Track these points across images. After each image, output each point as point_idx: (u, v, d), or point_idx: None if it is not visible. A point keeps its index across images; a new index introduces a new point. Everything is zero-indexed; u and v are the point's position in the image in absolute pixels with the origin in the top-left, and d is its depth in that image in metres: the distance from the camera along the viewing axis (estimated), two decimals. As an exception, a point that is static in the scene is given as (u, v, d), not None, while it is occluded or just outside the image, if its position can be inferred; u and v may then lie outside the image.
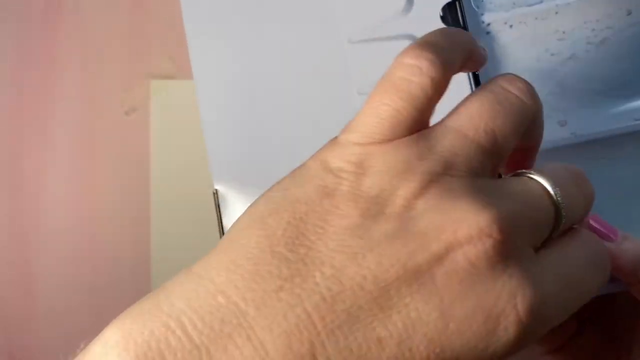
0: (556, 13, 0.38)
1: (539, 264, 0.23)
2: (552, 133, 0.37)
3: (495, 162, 0.25)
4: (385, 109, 0.24)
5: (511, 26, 0.38)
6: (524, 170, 0.26)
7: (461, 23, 0.37)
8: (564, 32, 0.38)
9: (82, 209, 0.48)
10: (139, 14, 0.49)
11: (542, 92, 0.37)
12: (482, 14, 0.38)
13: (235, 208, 0.37)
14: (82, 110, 0.48)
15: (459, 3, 0.37)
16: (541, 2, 0.38)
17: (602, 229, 0.34)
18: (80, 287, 0.46)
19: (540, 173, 0.25)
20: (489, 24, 0.38)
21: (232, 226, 0.24)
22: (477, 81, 0.37)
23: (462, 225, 0.22)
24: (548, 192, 0.25)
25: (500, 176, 0.29)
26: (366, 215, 0.22)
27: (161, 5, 0.49)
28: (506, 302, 0.22)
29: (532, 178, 0.25)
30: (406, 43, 0.36)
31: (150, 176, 0.47)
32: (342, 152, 0.24)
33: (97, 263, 0.46)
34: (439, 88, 0.25)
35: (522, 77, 0.32)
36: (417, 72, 0.25)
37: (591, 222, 0.34)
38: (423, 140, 0.24)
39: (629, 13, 0.38)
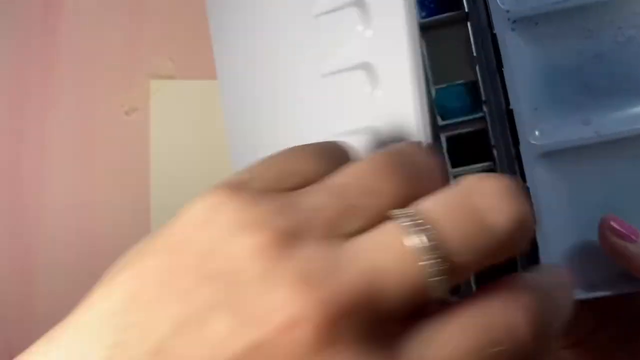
0: (582, 11, 0.38)
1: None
2: (576, 132, 0.37)
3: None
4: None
5: (537, 23, 0.38)
6: (395, 212, 0.20)
7: (485, 19, 0.37)
8: (590, 30, 0.38)
9: (82, 208, 0.48)
10: (139, 14, 0.49)
11: (566, 91, 0.37)
12: (507, 11, 0.38)
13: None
14: (82, 110, 0.48)
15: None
16: (567, 0, 0.38)
17: (621, 229, 0.34)
18: (80, 287, 0.46)
19: (416, 219, 0.19)
20: (514, 21, 0.38)
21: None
22: (506, 99, 0.36)
23: (280, 308, 0.18)
24: (419, 249, 0.19)
25: None
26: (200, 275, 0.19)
27: (161, 5, 0.49)
28: None
29: (398, 227, 0.19)
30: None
31: (150, 176, 0.47)
32: None
33: (97, 262, 0.47)
34: None
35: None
36: None
37: (611, 222, 0.34)
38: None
39: (656, 11, 0.38)
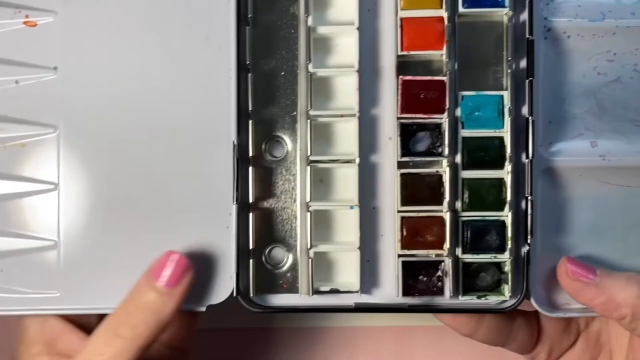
0: (614, 34, 0.38)
1: None
2: (582, 151, 0.38)
3: None
4: None
5: (569, 37, 0.38)
6: None
7: (527, 22, 0.36)
8: (614, 54, 0.38)
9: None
10: None
11: (580, 109, 0.37)
12: (545, 17, 0.37)
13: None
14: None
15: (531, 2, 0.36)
16: (603, 20, 0.37)
17: (578, 269, 0.35)
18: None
19: None
20: (549, 30, 0.37)
21: None
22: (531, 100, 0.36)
23: None
24: None
25: None
26: None
27: None
28: None
29: None
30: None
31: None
32: None
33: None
34: None
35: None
36: None
37: (567, 264, 0.35)
38: None
39: (679, 49, 0.38)
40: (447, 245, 0.36)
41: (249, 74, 0.36)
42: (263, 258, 0.37)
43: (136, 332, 0.32)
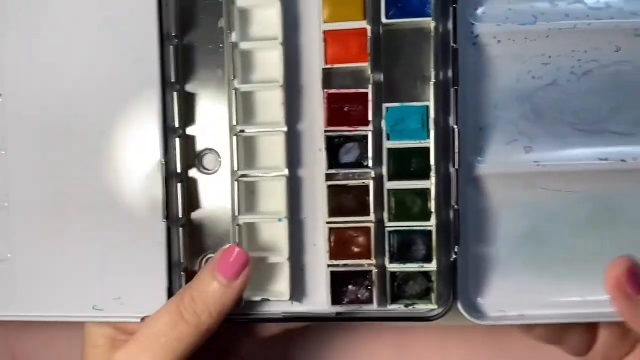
0: (547, 37, 0.37)
1: None
2: (516, 157, 0.37)
3: None
4: None
5: (499, 41, 0.37)
6: None
7: (451, 29, 0.35)
8: (550, 57, 0.37)
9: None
10: None
11: (515, 114, 0.37)
12: (473, 24, 0.37)
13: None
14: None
15: (455, 8, 0.35)
16: (534, 23, 0.37)
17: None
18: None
19: None
20: (477, 36, 0.37)
21: None
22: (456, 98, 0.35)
23: None
24: None
25: None
26: None
27: None
28: None
29: None
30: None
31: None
32: None
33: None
34: None
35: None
36: None
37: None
38: None
39: (618, 50, 0.37)
40: (373, 255, 0.36)
41: (174, 92, 0.37)
42: (197, 268, 0.38)
43: (201, 319, 0.34)
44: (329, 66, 0.36)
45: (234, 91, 0.36)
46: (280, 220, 0.37)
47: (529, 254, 0.38)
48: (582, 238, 0.38)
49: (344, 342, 0.46)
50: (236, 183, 0.37)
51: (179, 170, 0.37)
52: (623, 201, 0.38)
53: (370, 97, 0.36)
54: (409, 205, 0.36)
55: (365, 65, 0.36)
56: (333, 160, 0.37)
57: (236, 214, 0.37)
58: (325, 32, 0.36)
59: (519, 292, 0.38)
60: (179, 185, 0.37)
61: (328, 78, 0.36)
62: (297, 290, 0.38)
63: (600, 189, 0.37)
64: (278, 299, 0.37)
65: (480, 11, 0.37)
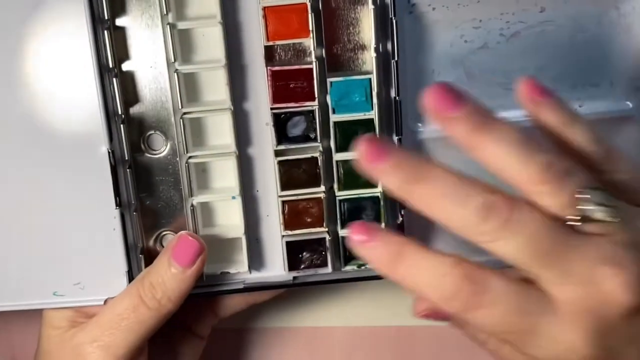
0: (478, 2, 0.38)
1: None
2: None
3: None
4: None
5: (434, 9, 0.38)
6: None
7: (390, 3, 0.36)
8: (480, 21, 0.39)
9: None
10: None
11: (449, 78, 0.39)
12: (409, -7, 0.37)
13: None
14: None
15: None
16: (467, -11, 0.38)
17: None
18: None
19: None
20: (414, 4, 0.37)
21: None
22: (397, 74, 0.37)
23: None
24: None
25: None
26: None
27: None
28: None
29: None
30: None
31: None
32: None
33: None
34: None
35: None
36: None
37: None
38: None
39: (542, 10, 0.39)
40: (325, 223, 0.38)
41: (114, 78, 0.36)
42: (157, 247, 0.39)
43: (161, 303, 0.36)
44: (270, 43, 0.36)
45: (175, 73, 0.36)
46: (233, 198, 0.38)
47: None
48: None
49: (344, 341, 0.46)
50: (186, 165, 0.37)
51: (126, 157, 0.37)
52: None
53: (314, 73, 0.36)
54: (356, 175, 0.38)
55: (307, 40, 0.36)
56: (281, 134, 0.38)
57: (188, 194, 0.37)
58: (264, 9, 0.35)
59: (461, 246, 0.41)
60: (128, 171, 0.37)
61: (270, 54, 0.36)
62: (255, 260, 0.39)
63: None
64: (237, 270, 0.39)
65: (414, -20, 0.37)
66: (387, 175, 0.29)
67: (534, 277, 0.29)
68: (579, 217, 0.28)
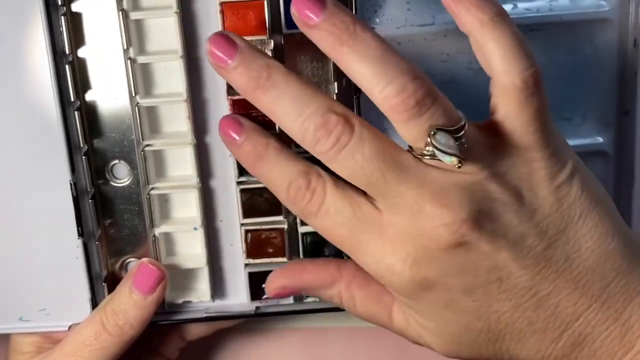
0: (445, 36, 0.37)
1: None
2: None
3: None
4: None
5: (399, 43, 0.37)
6: None
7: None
8: (448, 55, 0.38)
9: None
10: None
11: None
12: (372, 28, 0.37)
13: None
14: None
15: (354, 10, 0.35)
16: (433, 24, 0.37)
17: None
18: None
19: None
20: (378, 39, 0.37)
21: None
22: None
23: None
24: None
25: None
26: None
27: None
28: None
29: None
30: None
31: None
32: None
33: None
34: None
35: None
36: None
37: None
38: None
39: (512, 44, 0.38)
40: (287, 254, 0.38)
41: (75, 110, 0.36)
42: (122, 273, 0.39)
43: (122, 330, 0.37)
44: None
45: (136, 106, 0.36)
46: (195, 229, 0.38)
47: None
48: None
49: (344, 341, 0.47)
50: (148, 197, 0.37)
51: (88, 188, 0.37)
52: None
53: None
54: (318, 209, 0.38)
55: (265, 37, 0.35)
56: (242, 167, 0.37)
57: (151, 225, 0.38)
58: (222, 4, 0.35)
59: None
60: (90, 201, 0.37)
61: None
62: (218, 288, 0.40)
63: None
64: (199, 299, 0.39)
65: (379, 14, 0.37)
66: (234, 76, 0.31)
67: (371, 196, 0.30)
68: (423, 153, 0.30)
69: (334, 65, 0.35)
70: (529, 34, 0.38)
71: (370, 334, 0.46)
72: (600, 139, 0.40)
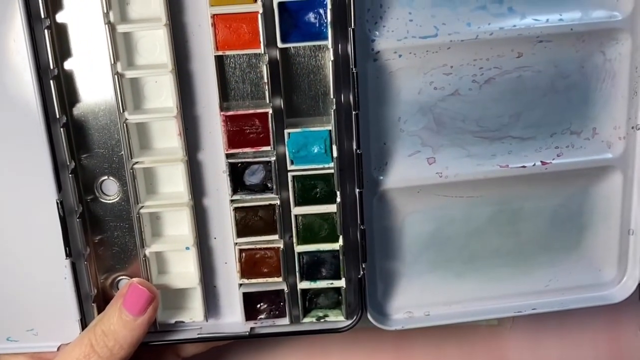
0: (448, 48, 0.36)
1: None
2: (419, 170, 0.37)
3: None
4: None
5: (400, 55, 0.35)
6: None
7: (351, 47, 0.34)
8: (451, 67, 0.36)
9: None
10: None
11: (417, 126, 0.37)
12: (372, 40, 0.35)
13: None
14: None
15: (353, 30, 0.33)
16: (436, 36, 0.35)
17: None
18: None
19: None
20: (377, 52, 0.35)
21: None
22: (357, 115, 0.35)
23: None
24: None
25: None
26: None
27: None
28: None
29: None
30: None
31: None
32: None
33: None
34: None
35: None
36: None
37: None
38: None
39: (519, 55, 0.36)
40: (283, 274, 0.37)
41: (61, 127, 0.34)
42: (113, 291, 0.38)
43: (112, 352, 0.36)
44: (220, 52, 0.34)
45: (124, 124, 0.35)
46: (187, 248, 0.37)
47: (432, 257, 0.39)
48: (483, 238, 0.39)
49: (344, 342, 0.46)
50: (139, 216, 0.36)
51: (75, 207, 0.36)
52: (523, 202, 0.39)
53: (269, 118, 0.34)
54: (316, 230, 0.37)
55: (259, 51, 0.34)
56: (237, 182, 0.36)
57: (141, 245, 0.36)
58: (213, 16, 0.33)
59: (424, 293, 0.39)
60: (78, 220, 0.36)
61: (220, 65, 0.34)
62: (212, 307, 0.38)
63: (501, 193, 0.38)
64: (192, 319, 0.38)
65: (380, 24, 0.35)
66: None
67: None
68: None
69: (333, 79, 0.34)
70: (537, 45, 0.36)
71: (370, 334, 0.45)
72: (609, 155, 0.38)
